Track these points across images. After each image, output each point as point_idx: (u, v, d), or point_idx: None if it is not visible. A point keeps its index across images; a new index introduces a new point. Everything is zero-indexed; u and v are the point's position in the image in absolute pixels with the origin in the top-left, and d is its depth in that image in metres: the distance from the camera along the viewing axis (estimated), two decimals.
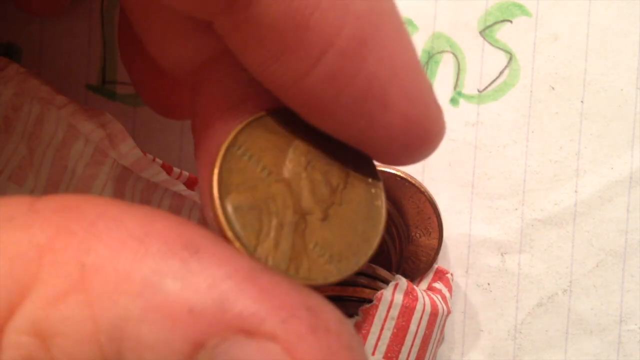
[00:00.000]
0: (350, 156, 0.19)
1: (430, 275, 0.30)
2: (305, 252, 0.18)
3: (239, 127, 0.18)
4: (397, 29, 0.18)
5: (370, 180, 0.19)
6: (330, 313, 0.15)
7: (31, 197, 0.16)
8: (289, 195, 0.18)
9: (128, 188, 0.27)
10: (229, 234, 0.17)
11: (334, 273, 0.18)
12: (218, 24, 0.18)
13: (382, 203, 0.19)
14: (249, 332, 0.14)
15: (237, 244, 0.17)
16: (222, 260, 0.15)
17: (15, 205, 0.15)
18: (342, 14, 0.17)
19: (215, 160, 0.18)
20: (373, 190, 0.19)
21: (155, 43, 0.20)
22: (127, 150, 0.26)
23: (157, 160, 0.27)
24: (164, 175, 0.27)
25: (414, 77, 0.18)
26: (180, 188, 0.27)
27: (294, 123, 0.19)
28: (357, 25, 0.17)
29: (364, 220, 0.19)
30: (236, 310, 0.14)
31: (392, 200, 0.29)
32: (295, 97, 0.18)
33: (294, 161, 0.19)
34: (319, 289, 0.17)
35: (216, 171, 0.18)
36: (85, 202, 0.15)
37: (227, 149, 0.18)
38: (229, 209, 0.17)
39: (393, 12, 0.18)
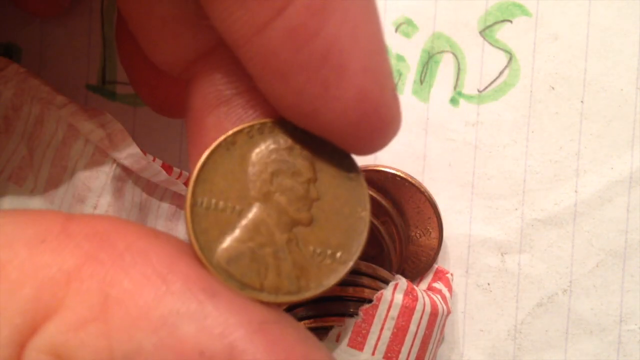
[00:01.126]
0: (310, 146, 0.19)
1: (430, 275, 0.30)
2: (308, 262, 0.18)
3: (191, 182, 0.18)
4: None
5: (336, 157, 0.19)
6: None
7: (64, 216, 0.16)
8: (269, 217, 0.18)
9: (128, 188, 0.27)
10: (234, 288, 0.17)
11: (341, 268, 0.18)
12: None
13: (357, 174, 0.19)
14: None
15: (245, 293, 0.17)
16: (236, 307, 0.16)
17: (48, 225, 0.16)
18: None
19: (186, 225, 0.18)
20: (345, 167, 0.19)
21: (149, 41, 0.20)
22: (127, 150, 0.26)
23: (157, 160, 0.27)
24: (163, 175, 0.27)
25: (375, 50, 0.18)
26: (180, 188, 0.27)
27: (240, 143, 0.19)
28: None
29: (347, 200, 0.19)
30: (243, 358, 0.15)
31: (392, 200, 0.29)
32: (253, 52, 0.17)
33: (259, 182, 0.18)
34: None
35: (192, 237, 0.18)
36: (115, 229, 0.16)
37: (191, 210, 0.18)
38: (223, 265, 0.18)
39: None
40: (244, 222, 0.18)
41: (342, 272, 0.18)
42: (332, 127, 0.18)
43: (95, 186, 0.26)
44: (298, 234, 0.18)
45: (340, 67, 0.17)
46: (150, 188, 0.27)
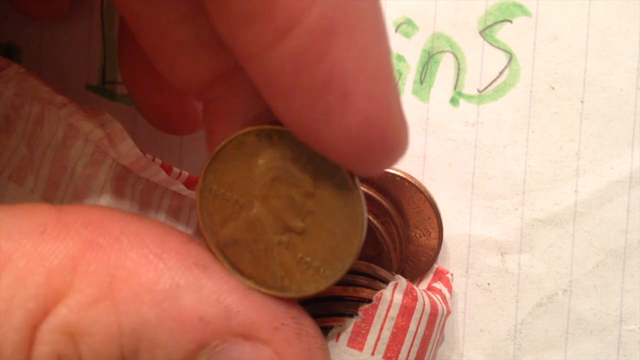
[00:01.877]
0: (315, 162, 0.19)
1: (430, 275, 0.30)
2: (294, 267, 0.19)
3: (204, 168, 0.20)
4: (372, 20, 0.17)
5: (340, 181, 0.19)
6: (309, 321, 0.19)
7: (55, 208, 0.18)
8: (265, 217, 0.20)
9: (128, 188, 0.27)
10: (227, 267, 0.19)
11: (323, 282, 0.19)
12: None
13: (357, 199, 0.19)
14: (247, 336, 0.17)
15: (235, 276, 0.19)
16: (225, 277, 0.18)
17: (44, 217, 0.17)
18: None
19: (196, 205, 0.20)
20: (346, 191, 0.19)
21: (165, 64, 0.21)
22: (127, 150, 0.26)
23: (157, 160, 0.27)
24: (163, 175, 0.27)
25: (381, 76, 0.17)
26: (180, 188, 0.27)
27: (250, 144, 0.19)
28: (329, 7, 0.16)
29: (341, 222, 0.19)
30: (238, 319, 0.17)
31: (392, 200, 0.29)
32: (258, 71, 0.17)
33: (260, 183, 0.19)
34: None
35: (199, 215, 0.20)
36: (107, 217, 0.18)
37: (201, 193, 0.20)
38: (222, 248, 0.20)
39: (374, 4, 0.17)
40: (243, 215, 0.20)
41: (323, 285, 0.19)
42: (335, 150, 0.18)
43: (95, 186, 0.26)
44: (290, 239, 0.19)
45: (345, 93, 0.17)
46: (150, 188, 0.27)
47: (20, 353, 0.16)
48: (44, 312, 0.16)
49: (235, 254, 0.20)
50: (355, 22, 0.16)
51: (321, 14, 0.16)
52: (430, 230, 0.29)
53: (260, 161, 0.19)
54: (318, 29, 0.16)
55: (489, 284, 0.30)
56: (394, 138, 0.18)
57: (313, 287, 0.19)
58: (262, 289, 0.19)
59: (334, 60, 0.16)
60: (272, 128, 0.19)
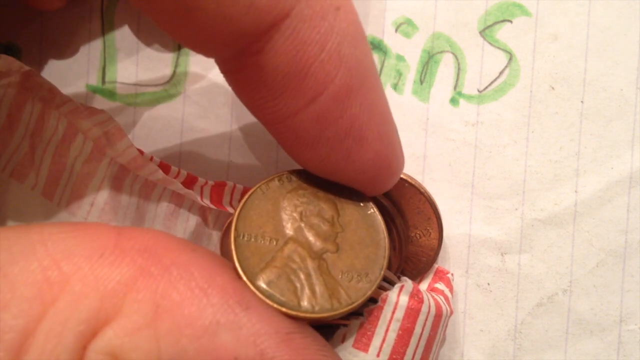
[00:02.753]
0: (331, 190, 0.23)
1: (430, 276, 0.30)
2: (338, 284, 0.22)
3: (234, 218, 0.22)
4: (376, 80, 0.21)
5: (355, 198, 0.23)
6: None
7: (115, 230, 0.19)
8: (301, 248, 0.22)
9: (126, 186, 0.27)
10: (274, 305, 0.20)
11: (368, 287, 0.22)
12: (224, 63, 0.20)
13: (373, 209, 0.23)
14: None
15: (283, 310, 0.20)
16: (266, 318, 0.19)
17: (103, 240, 0.18)
18: (336, 64, 0.20)
19: (230, 255, 0.21)
20: (362, 204, 0.23)
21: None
22: (124, 149, 0.26)
23: (155, 159, 0.27)
24: (160, 174, 0.27)
25: (386, 121, 0.22)
26: (178, 187, 0.27)
27: (274, 189, 0.23)
28: (348, 75, 0.20)
29: (367, 231, 0.22)
30: None
31: (391, 200, 0.29)
32: (284, 130, 0.21)
33: (290, 220, 0.22)
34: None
35: (237, 264, 0.21)
36: (161, 245, 0.19)
37: (235, 241, 0.21)
38: (263, 287, 0.21)
39: (373, 65, 0.21)
40: (279, 251, 0.22)
41: (369, 289, 0.22)
42: (352, 180, 0.22)
43: (93, 184, 0.26)
44: (327, 260, 0.22)
45: (360, 138, 0.21)
46: (149, 187, 0.27)
47: None
48: (93, 334, 0.17)
49: (279, 289, 0.21)
50: (365, 82, 0.20)
51: (342, 80, 0.20)
52: (430, 230, 0.29)
53: (285, 202, 0.22)
54: (340, 93, 0.20)
55: (489, 284, 0.30)
56: (397, 165, 0.22)
57: (361, 294, 0.22)
58: (314, 315, 0.20)
59: (351, 114, 0.20)
60: (292, 170, 0.23)
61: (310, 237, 0.22)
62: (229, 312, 0.18)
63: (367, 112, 0.21)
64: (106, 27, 0.31)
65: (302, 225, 0.22)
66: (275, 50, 0.19)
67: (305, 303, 0.21)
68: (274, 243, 0.22)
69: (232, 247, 0.21)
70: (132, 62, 0.31)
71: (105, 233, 0.19)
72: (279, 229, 0.22)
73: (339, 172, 0.22)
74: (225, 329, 0.18)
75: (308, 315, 0.20)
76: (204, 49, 0.20)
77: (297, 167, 0.24)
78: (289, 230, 0.22)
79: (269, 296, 0.20)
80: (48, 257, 0.18)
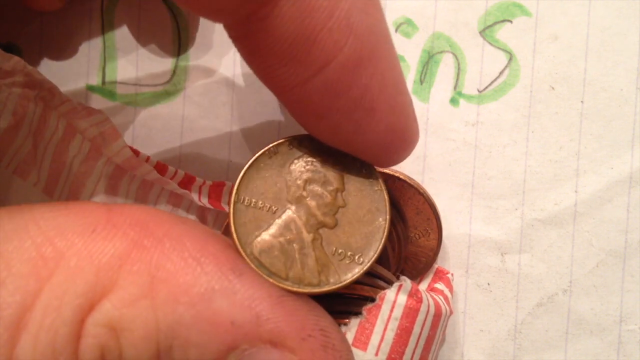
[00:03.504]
0: (340, 161, 0.22)
1: (430, 276, 0.30)
2: (329, 260, 0.21)
3: (237, 182, 0.21)
4: (389, 49, 0.21)
5: (364, 172, 0.22)
6: (337, 334, 0.20)
7: (105, 207, 0.19)
8: (299, 219, 0.21)
9: (122, 186, 0.27)
10: (263, 275, 0.20)
11: (359, 268, 0.21)
12: (233, 29, 0.20)
13: (381, 187, 0.22)
14: (274, 343, 0.18)
15: (272, 280, 0.20)
16: (259, 284, 0.19)
17: (94, 216, 0.19)
18: (345, 33, 0.19)
19: (229, 217, 0.21)
20: (370, 180, 0.22)
21: None
22: (119, 149, 0.26)
23: (152, 159, 0.27)
24: (155, 175, 0.27)
25: (398, 92, 0.21)
26: (174, 187, 0.27)
27: (282, 154, 0.22)
28: (357, 43, 0.19)
29: (370, 209, 0.22)
30: (268, 326, 0.18)
31: (391, 201, 0.29)
32: (294, 99, 0.21)
33: (292, 187, 0.22)
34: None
35: (232, 228, 0.21)
36: (153, 218, 0.19)
37: (234, 205, 0.21)
38: (255, 254, 0.21)
39: (386, 34, 0.21)
40: (277, 220, 0.21)
41: (359, 271, 0.21)
42: (363, 151, 0.21)
43: (89, 182, 0.26)
44: (323, 234, 0.21)
45: (371, 109, 0.20)
46: (146, 187, 0.27)
47: (70, 345, 0.17)
48: (90, 307, 0.18)
49: (270, 259, 0.21)
50: (376, 52, 0.20)
51: (351, 49, 0.19)
52: (430, 231, 0.29)
53: (292, 167, 0.22)
54: (349, 62, 0.19)
55: (489, 284, 0.30)
56: (410, 137, 0.22)
57: (350, 275, 0.21)
58: (300, 288, 0.20)
59: (361, 85, 0.20)
60: (302, 135, 0.22)
61: (311, 209, 0.22)
62: (223, 279, 0.18)
63: (379, 83, 0.20)
64: (106, 27, 0.31)
65: (305, 194, 0.22)
66: (281, 16, 0.19)
67: (292, 275, 0.21)
68: (273, 210, 0.21)
69: (231, 211, 0.21)
70: (132, 62, 0.31)
71: (96, 209, 0.19)
72: (281, 195, 0.22)
73: (349, 142, 0.21)
74: (220, 295, 0.18)
75: (293, 289, 0.20)
76: (210, 14, 0.20)
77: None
78: (291, 199, 0.22)
79: (259, 266, 0.20)
80: (41, 234, 0.18)
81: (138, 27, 0.31)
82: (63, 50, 0.31)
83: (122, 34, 0.31)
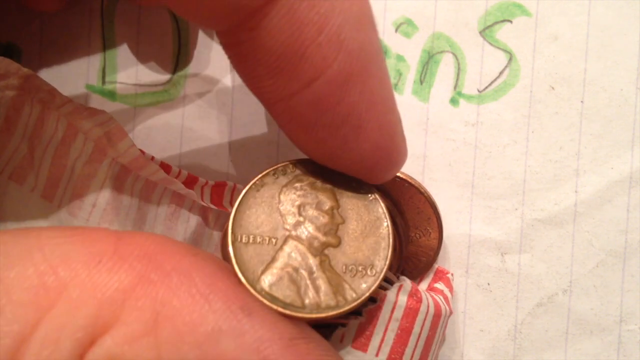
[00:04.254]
0: (329, 179, 0.22)
1: (430, 276, 0.30)
2: (341, 279, 0.21)
3: (230, 221, 0.21)
4: (379, 67, 0.20)
5: (355, 185, 0.22)
6: None
7: (114, 235, 0.18)
8: (301, 245, 0.21)
9: (127, 187, 0.27)
10: (277, 308, 0.20)
11: (372, 280, 0.21)
12: (224, 36, 0.19)
13: (374, 195, 0.22)
14: None
15: (287, 312, 0.20)
16: (270, 324, 0.18)
17: (102, 245, 0.18)
18: (335, 49, 0.19)
19: (229, 260, 0.21)
20: (362, 191, 0.22)
21: None
22: (125, 149, 0.26)
23: (156, 159, 0.27)
24: (162, 174, 0.27)
25: (387, 110, 0.21)
26: (179, 187, 0.27)
27: (268, 185, 0.22)
28: (347, 61, 0.19)
29: (368, 220, 0.22)
30: None
31: (391, 200, 0.29)
32: (281, 111, 0.20)
33: (288, 215, 0.21)
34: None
35: (237, 269, 0.20)
36: (161, 250, 0.18)
37: (233, 245, 0.21)
38: (266, 290, 0.20)
39: (378, 51, 0.20)
40: (279, 251, 0.21)
41: (373, 282, 0.21)
42: (349, 168, 0.21)
43: (94, 184, 0.26)
44: (329, 255, 0.21)
45: (358, 127, 0.20)
46: (150, 187, 0.27)
47: None
48: (91, 342, 0.17)
49: (282, 291, 0.20)
50: (367, 69, 0.19)
51: (340, 66, 0.19)
52: (430, 230, 0.29)
53: (282, 197, 0.22)
54: (338, 79, 0.19)
55: (489, 284, 0.30)
56: (397, 156, 0.21)
57: (366, 287, 0.21)
58: (320, 314, 0.20)
59: (350, 102, 0.19)
60: (286, 163, 0.22)
61: (311, 232, 0.21)
62: (231, 319, 0.18)
63: (367, 101, 0.20)
64: (106, 27, 0.31)
65: (301, 219, 0.21)
66: (270, 28, 0.18)
67: (309, 302, 0.20)
68: (273, 242, 0.21)
69: (231, 251, 0.21)
70: (132, 62, 0.31)
71: (104, 238, 0.18)
72: (277, 226, 0.21)
73: (335, 159, 0.21)
74: (227, 335, 0.17)
75: (313, 315, 0.20)
76: (199, 20, 0.20)
77: (295, 156, 0.23)
78: (288, 227, 0.21)
79: (272, 300, 0.20)
80: (45, 262, 0.17)
81: (138, 26, 0.31)
82: (63, 50, 0.31)
83: (122, 34, 0.31)
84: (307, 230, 0.21)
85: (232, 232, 0.21)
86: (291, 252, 0.21)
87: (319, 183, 0.22)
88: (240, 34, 0.19)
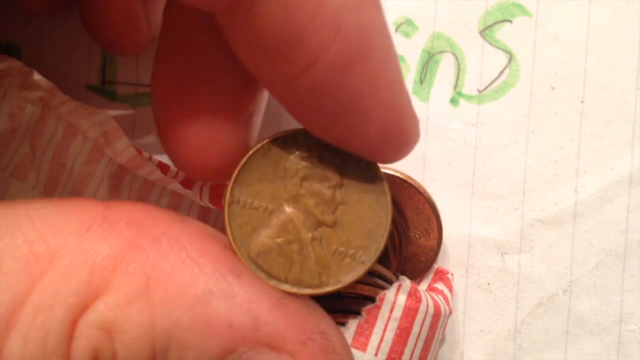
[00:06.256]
0: (338, 155, 0.21)
1: (430, 276, 0.30)
2: (330, 260, 0.20)
3: (231, 182, 0.20)
4: (384, 48, 0.19)
5: (363, 165, 0.21)
6: (338, 338, 0.19)
7: (102, 204, 0.19)
8: (297, 218, 0.20)
9: (124, 186, 0.27)
10: (262, 277, 0.20)
11: (360, 267, 0.20)
12: (219, 17, 0.19)
13: (382, 181, 0.21)
14: (273, 347, 0.18)
15: (271, 283, 0.20)
16: (258, 285, 0.18)
17: (90, 214, 0.18)
18: (332, 32, 0.18)
19: (224, 220, 0.20)
20: (370, 174, 0.21)
21: None
22: (122, 149, 0.26)
23: (154, 159, 0.27)
24: (159, 174, 0.27)
25: (394, 92, 0.20)
26: (177, 187, 0.27)
27: (276, 150, 0.21)
28: (346, 44, 0.18)
29: (370, 205, 0.21)
30: (266, 329, 0.18)
31: (392, 200, 0.29)
32: (282, 95, 0.20)
33: (289, 185, 0.21)
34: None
35: (229, 232, 0.20)
36: (149, 217, 0.19)
37: (229, 207, 0.20)
38: (253, 258, 0.20)
39: (382, 31, 0.19)
40: (274, 220, 0.20)
41: (360, 271, 0.20)
42: (357, 149, 0.20)
43: (92, 183, 0.26)
44: (322, 234, 0.20)
45: (363, 111, 0.19)
46: (148, 186, 0.27)
47: (61, 346, 0.17)
48: (83, 308, 0.17)
49: (268, 262, 0.20)
50: (369, 53, 0.19)
51: (339, 50, 0.18)
52: (430, 231, 0.29)
53: (288, 164, 0.21)
54: (337, 64, 0.18)
55: (489, 284, 0.30)
56: (407, 138, 0.21)
57: (351, 275, 0.20)
58: (300, 290, 0.20)
59: (351, 86, 0.19)
60: (297, 130, 0.21)
61: (309, 207, 0.21)
62: (221, 281, 0.18)
63: (371, 85, 0.19)
64: None
65: (302, 192, 0.21)
66: (262, 11, 0.18)
67: (292, 277, 0.20)
68: (270, 211, 0.21)
69: (226, 213, 0.20)
70: (132, 62, 0.31)
71: (92, 207, 0.18)
72: (277, 194, 0.21)
73: (342, 140, 0.20)
74: (218, 297, 0.18)
75: (293, 291, 0.20)
76: (191, 1, 0.19)
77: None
78: (287, 198, 0.21)
79: (257, 269, 0.20)
80: (34, 231, 0.17)
81: None
82: (63, 50, 0.31)
83: None
84: (305, 204, 0.21)
85: (231, 193, 0.20)
86: (285, 224, 0.20)
87: (327, 157, 0.21)
88: (235, 16, 0.19)
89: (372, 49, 0.19)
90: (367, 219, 0.21)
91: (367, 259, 0.20)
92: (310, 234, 0.20)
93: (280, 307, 0.18)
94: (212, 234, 0.19)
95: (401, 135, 0.20)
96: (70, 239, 0.18)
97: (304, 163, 0.21)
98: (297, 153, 0.21)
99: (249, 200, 0.21)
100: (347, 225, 0.21)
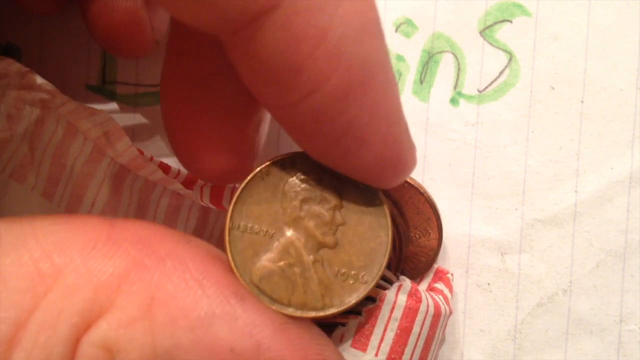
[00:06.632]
0: (336, 177, 0.21)
1: (430, 276, 0.30)
2: (332, 281, 0.20)
3: (230, 208, 0.21)
4: (384, 78, 0.20)
5: (361, 186, 0.21)
6: None
7: (107, 222, 0.19)
8: (298, 241, 0.21)
9: (126, 186, 0.27)
10: (265, 302, 0.20)
11: (363, 287, 0.20)
12: (223, 39, 0.19)
13: (380, 201, 0.21)
14: None
15: (274, 307, 0.20)
16: (261, 310, 0.18)
17: (95, 232, 0.18)
18: (334, 63, 0.18)
19: (224, 246, 0.20)
20: (369, 194, 0.21)
21: None
22: (124, 149, 0.26)
23: (155, 159, 0.27)
24: (160, 174, 0.27)
25: (391, 122, 0.20)
26: (178, 187, 0.27)
27: (274, 174, 0.21)
28: (347, 75, 0.18)
29: (370, 225, 0.21)
30: (269, 354, 0.18)
31: (392, 201, 0.29)
32: (282, 118, 0.20)
33: (288, 208, 0.21)
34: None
35: (230, 258, 0.20)
36: (155, 236, 0.19)
37: (230, 233, 0.21)
38: (256, 282, 0.20)
39: (383, 62, 0.20)
40: (275, 244, 0.21)
41: (363, 291, 0.20)
42: (355, 174, 0.21)
43: (93, 184, 0.26)
44: (324, 255, 0.21)
45: (361, 139, 0.19)
46: (149, 187, 0.27)
47: None
48: (86, 326, 0.17)
49: (270, 285, 0.20)
50: (368, 83, 0.19)
51: (340, 80, 0.18)
52: (430, 231, 0.29)
53: (287, 187, 0.21)
54: (337, 92, 0.19)
55: (489, 284, 0.30)
56: (404, 165, 0.21)
57: (355, 296, 0.20)
58: (304, 314, 0.20)
59: (350, 115, 0.19)
60: (294, 153, 0.21)
61: (310, 229, 0.21)
62: (224, 304, 0.18)
63: (369, 113, 0.19)
64: None
65: (302, 214, 0.21)
66: (265, 40, 0.18)
67: (295, 301, 0.20)
68: (271, 234, 0.21)
69: (227, 239, 0.20)
70: (132, 62, 0.31)
71: (97, 225, 0.18)
72: (277, 218, 0.21)
73: (340, 165, 0.21)
74: (220, 320, 0.18)
75: (297, 314, 0.20)
76: (191, 24, 0.19)
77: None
78: (288, 221, 0.21)
79: (260, 293, 0.20)
80: (39, 249, 0.18)
81: None
82: (63, 50, 0.31)
83: None
84: (306, 226, 0.21)
85: (231, 219, 0.21)
86: (287, 247, 0.21)
87: (325, 179, 0.21)
88: (237, 42, 0.19)
89: (371, 79, 0.19)
90: (367, 240, 0.21)
91: (370, 279, 0.21)
92: (311, 256, 0.21)
93: (283, 333, 0.18)
94: (216, 255, 0.20)
95: (398, 163, 0.21)
96: (75, 257, 0.18)
97: (303, 185, 0.21)
98: (296, 176, 0.21)
99: (249, 225, 0.21)
100: (348, 246, 0.21)
